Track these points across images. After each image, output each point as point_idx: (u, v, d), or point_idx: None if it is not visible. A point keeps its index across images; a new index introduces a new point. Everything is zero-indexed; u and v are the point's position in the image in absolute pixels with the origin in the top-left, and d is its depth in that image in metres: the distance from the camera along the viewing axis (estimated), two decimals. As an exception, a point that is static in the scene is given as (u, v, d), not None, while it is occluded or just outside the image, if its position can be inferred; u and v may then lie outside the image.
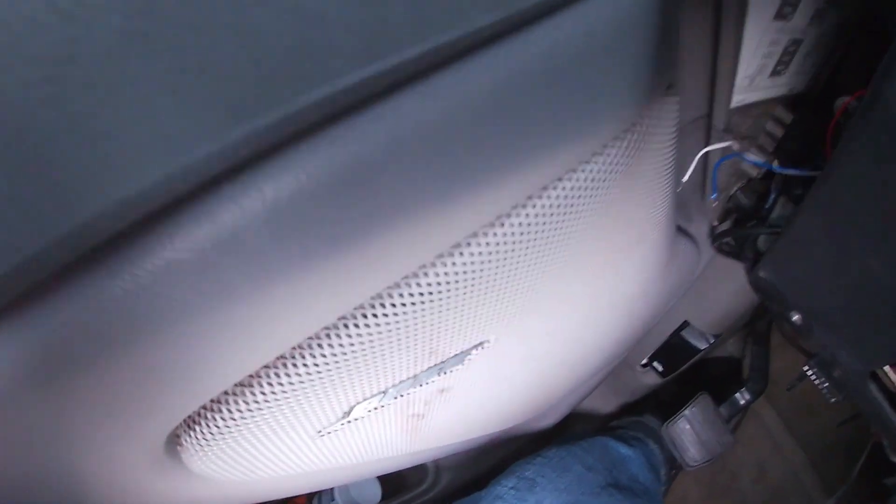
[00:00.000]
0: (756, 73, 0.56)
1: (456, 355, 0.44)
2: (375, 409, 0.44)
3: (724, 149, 0.58)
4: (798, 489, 1.27)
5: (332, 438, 0.45)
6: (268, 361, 0.30)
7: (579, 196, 0.37)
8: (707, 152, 0.54)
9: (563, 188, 0.36)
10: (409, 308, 0.33)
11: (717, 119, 0.54)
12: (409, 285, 0.32)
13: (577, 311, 0.58)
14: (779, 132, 0.67)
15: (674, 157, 0.49)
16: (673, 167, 0.52)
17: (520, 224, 0.35)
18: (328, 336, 0.31)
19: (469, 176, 0.28)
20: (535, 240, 0.37)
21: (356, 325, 0.32)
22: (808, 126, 0.68)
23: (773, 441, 1.32)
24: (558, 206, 0.37)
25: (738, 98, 0.55)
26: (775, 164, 0.66)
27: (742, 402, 1.06)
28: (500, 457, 1.09)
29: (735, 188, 0.74)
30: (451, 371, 0.46)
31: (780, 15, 0.51)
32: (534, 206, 0.35)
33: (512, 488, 0.85)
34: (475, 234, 0.33)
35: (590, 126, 0.34)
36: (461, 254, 0.33)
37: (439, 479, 1.07)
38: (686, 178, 0.53)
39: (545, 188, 0.35)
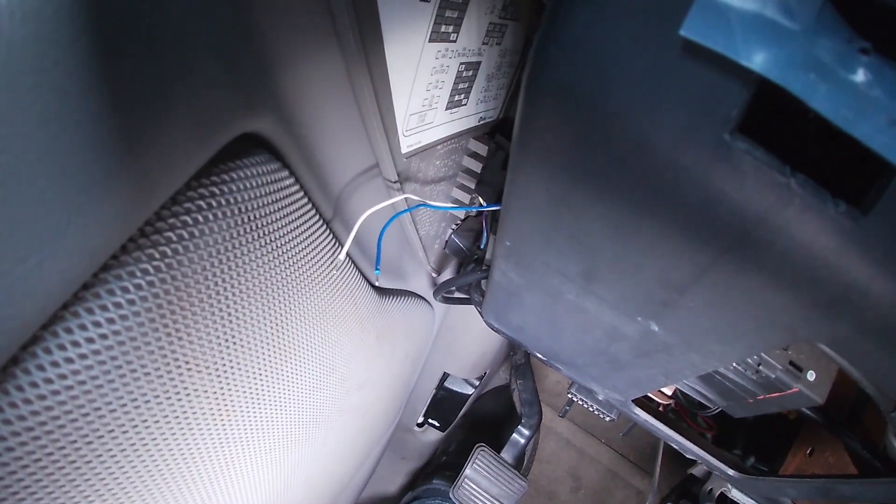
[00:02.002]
0: (425, 108, 0.46)
1: None
2: None
3: (406, 201, 0.47)
4: (618, 482, 1.27)
5: None
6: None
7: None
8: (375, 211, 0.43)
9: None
10: None
11: (385, 171, 0.43)
12: None
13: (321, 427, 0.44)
14: (477, 167, 0.60)
15: (308, 231, 0.37)
16: (323, 242, 0.40)
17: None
18: None
19: None
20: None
21: None
22: (507, 153, 0.62)
23: (577, 448, 1.31)
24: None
25: (410, 141, 0.45)
26: (482, 203, 0.58)
27: (522, 440, 1.00)
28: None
29: (449, 232, 0.65)
30: None
31: (437, 36, 0.42)
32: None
33: None
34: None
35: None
36: None
37: None
38: (344, 251, 0.41)
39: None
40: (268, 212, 0.32)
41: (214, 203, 0.27)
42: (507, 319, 0.48)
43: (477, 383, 1.00)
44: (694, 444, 0.51)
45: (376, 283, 0.55)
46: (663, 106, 0.18)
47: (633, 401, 0.50)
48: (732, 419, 0.52)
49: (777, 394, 0.38)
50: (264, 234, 0.32)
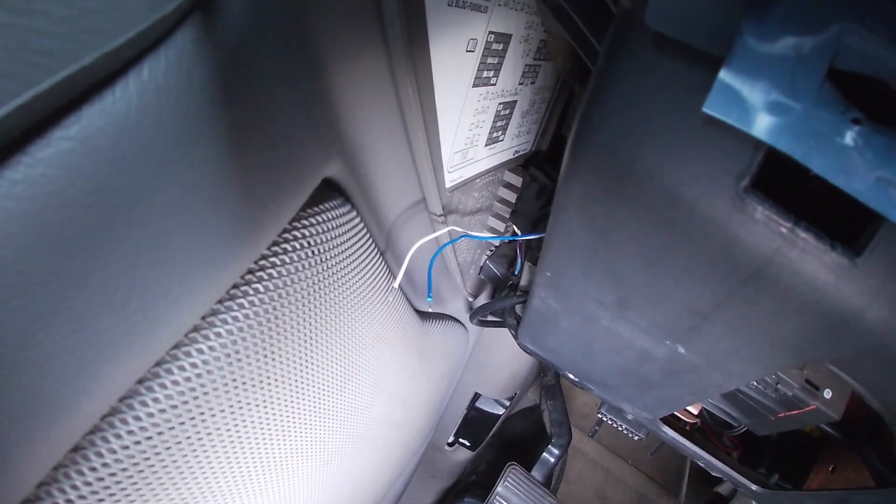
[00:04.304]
0: (467, 146, 0.51)
1: None
2: None
3: (450, 233, 0.52)
4: (645, 503, 1.28)
5: None
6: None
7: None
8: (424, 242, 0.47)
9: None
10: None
11: (432, 205, 0.48)
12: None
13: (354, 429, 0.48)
14: (512, 197, 0.64)
15: (374, 263, 0.42)
16: (379, 272, 0.44)
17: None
18: None
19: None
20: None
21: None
22: (541, 184, 0.66)
23: (604, 469, 1.33)
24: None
25: (454, 177, 0.50)
26: (515, 233, 0.62)
27: (552, 459, 1.02)
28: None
29: (484, 258, 0.70)
30: None
31: (480, 81, 0.46)
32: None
33: None
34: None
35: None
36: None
37: None
38: (398, 281, 0.45)
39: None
40: (341, 249, 0.37)
41: (302, 244, 0.32)
42: (544, 342, 0.52)
43: (507, 404, 1.03)
44: (719, 461, 0.54)
45: (428, 309, 0.59)
46: (688, 166, 0.22)
47: (660, 419, 0.53)
48: (757, 439, 0.55)
49: (796, 411, 0.41)
50: (338, 268, 0.37)
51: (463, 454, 1.12)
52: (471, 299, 0.70)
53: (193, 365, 0.28)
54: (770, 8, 0.19)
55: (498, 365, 0.90)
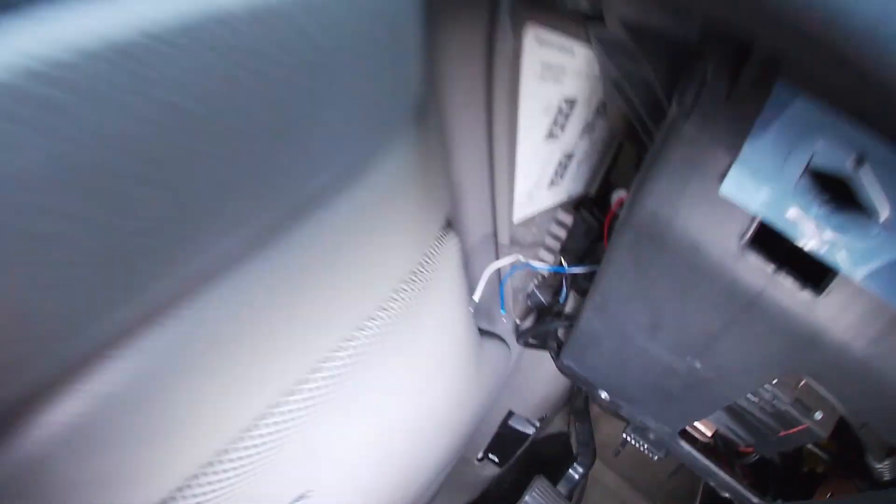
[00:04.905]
0: (533, 188, 0.62)
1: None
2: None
3: (510, 261, 0.63)
4: None
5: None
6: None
7: (372, 344, 0.38)
8: (495, 268, 0.58)
9: (357, 343, 0.36)
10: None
11: (501, 236, 0.59)
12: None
13: (406, 425, 0.58)
14: (562, 233, 0.75)
15: (463, 282, 0.52)
16: (463, 289, 0.55)
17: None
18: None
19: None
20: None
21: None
22: (589, 224, 0.77)
23: (620, 500, 1.39)
24: (358, 353, 0.37)
25: (520, 213, 0.61)
26: (561, 265, 0.73)
27: (577, 476, 1.10)
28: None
29: (531, 286, 0.80)
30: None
31: (550, 136, 0.58)
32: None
33: None
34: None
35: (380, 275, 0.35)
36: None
37: None
38: (478, 295, 0.56)
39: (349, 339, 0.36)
40: (451, 267, 0.48)
41: (427, 278, 0.43)
42: (584, 361, 0.62)
43: (538, 425, 1.12)
44: (727, 475, 0.63)
45: (504, 320, 0.69)
46: (708, 227, 0.33)
47: (678, 434, 0.62)
48: (766, 472, 0.63)
49: (793, 430, 0.50)
50: (448, 282, 0.48)
51: (490, 470, 1.20)
52: (518, 322, 0.80)
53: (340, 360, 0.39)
54: (764, 133, 0.29)
55: (534, 385, 1.00)
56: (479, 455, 1.17)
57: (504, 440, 1.14)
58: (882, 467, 0.48)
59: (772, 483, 0.73)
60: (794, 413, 0.47)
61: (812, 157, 0.29)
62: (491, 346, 0.77)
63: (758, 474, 0.71)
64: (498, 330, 0.81)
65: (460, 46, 0.40)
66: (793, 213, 0.30)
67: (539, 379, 0.98)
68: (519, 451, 1.16)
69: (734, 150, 0.30)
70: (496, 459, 1.17)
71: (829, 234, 0.30)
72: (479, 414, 0.91)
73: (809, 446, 0.56)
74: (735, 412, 0.56)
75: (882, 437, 0.45)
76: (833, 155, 0.29)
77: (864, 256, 0.30)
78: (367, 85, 0.27)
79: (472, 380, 0.71)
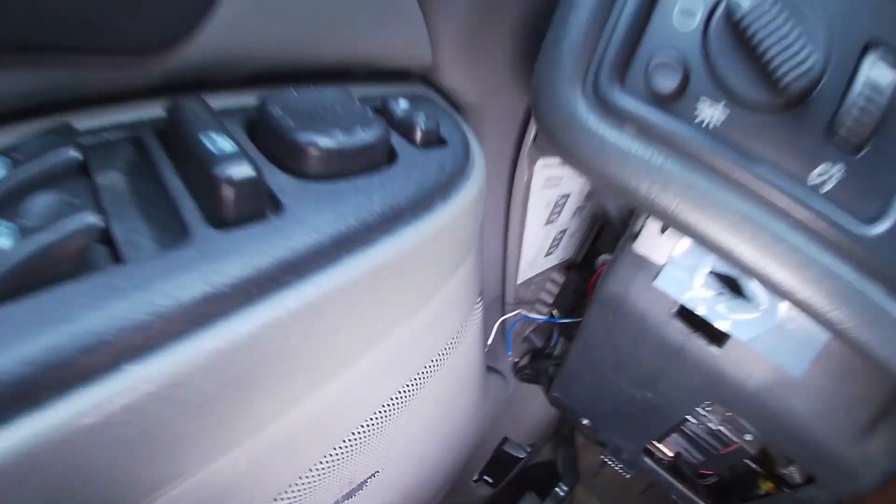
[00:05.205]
0: (534, 258, 0.80)
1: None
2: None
3: (515, 314, 0.81)
4: None
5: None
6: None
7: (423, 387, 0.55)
8: (503, 320, 0.77)
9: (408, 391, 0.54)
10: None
11: (508, 296, 0.77)
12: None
13: (424, 443, 0.75)
14: (555, 290, 0.94)
15: (482, 334, 0.71)
16: (482, 339, 0.73)
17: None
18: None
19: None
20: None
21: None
22: (576, 283, 0.95)
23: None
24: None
25: (523, 277, 0.79)
26: (553, 316, 0.91)
27: (562, 493, 1.27)
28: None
29: (528, 331, 0.98)
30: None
31: (549, 222, 0.77)
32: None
33: None
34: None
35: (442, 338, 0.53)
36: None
37: None
38: (490, 341, 0.74)
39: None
40: (476, 329, 0.66)
41: (461, 336, 0.61)
42: (569, 393, 0.80)
43: (528, 450, 1.28)
44: (689, 491, 0.79)
45: (511, 359, 0.87)
46: (649, 303, 0.51)
47: (642, 453, 0.80)
48: (726, 492, 0.80)
49: (729, 449, 0.68)
50: (473, 341, 0.66)
51: (484, 490, 1.34)
52: (516, 360, 0.98)
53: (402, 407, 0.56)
54: (675, 258, 0.48)
55: (526, 415, 1.17)
56: (475, 476, 1.32)
57: (498, 463, 1.29)
58: (788, 472, 0.65)
59: (730, 501, 0.90)
60: (728, 434, 0.65)
61: (713, 266, 0.48)
62: (493, 380, 0.95)
63: (718, 494, 0.87)
64: (498, 366, 0.99)
65: (491, 175, 0.59)
66: (699, 298, 0.49)
67: (531, 409, 1.16)
68: (511, 474, 1.31)
69: (663, 264, 0.49)
70: (490, 480, 1.32)
71: (724, 311, 0.49)
72: (479, 439, 1.08)
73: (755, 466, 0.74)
74: (687, 435, 0.74)
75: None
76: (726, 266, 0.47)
77: (747, 327, 0.49)
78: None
79: (478, 410, 0.88)
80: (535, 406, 1.14)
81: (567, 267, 0.98)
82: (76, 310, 0.22)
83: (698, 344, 0.51)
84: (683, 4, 0.36)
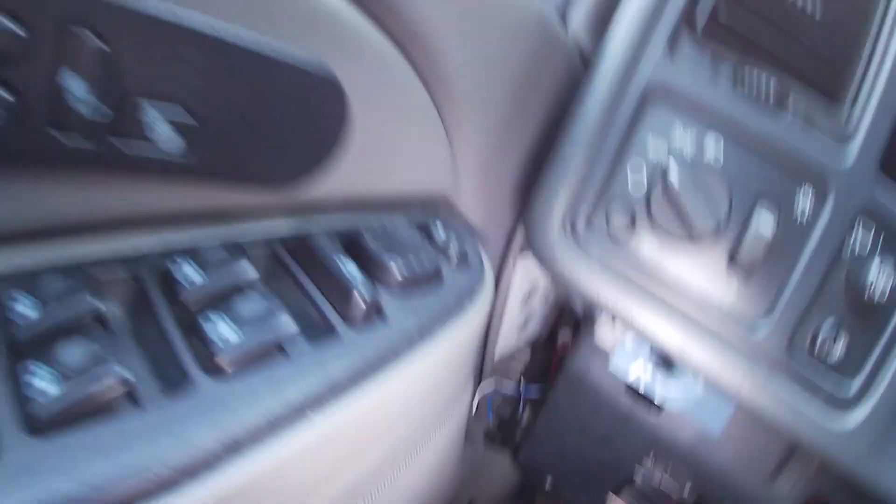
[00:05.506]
0: (509, 340, 0.96)
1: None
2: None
3: (490, 386, 0.95)
4: None
5: None
6: None
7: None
8: (484, 395, 0.92)
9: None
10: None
11: (486, 371, 0.92)
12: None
13: None
14: (522, 366, 1.09)
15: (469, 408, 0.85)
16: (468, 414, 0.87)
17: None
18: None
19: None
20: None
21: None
22: (541, 359, 1.10)
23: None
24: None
25: (497, 356, 0.94)
26: (520, 388, 1.06)
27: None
28: None
29: (499, 402, 1.12)
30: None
31: (522, 314, 0.92)
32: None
33: None
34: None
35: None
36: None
37: None
38: (473, 411, 0.88)
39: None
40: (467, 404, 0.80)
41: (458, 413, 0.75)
42: (537, 455, 0.94)
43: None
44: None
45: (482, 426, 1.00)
46: (604, 380, 0.68)
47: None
48: None
49: (672, 501, 0.82)
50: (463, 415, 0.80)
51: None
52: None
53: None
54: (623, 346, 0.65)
55: (491, 478, 1.28)
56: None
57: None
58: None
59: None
60: (670, 485, 0.79)
61: (651, 349, 0.65)
62: (466, 446, 1.07)
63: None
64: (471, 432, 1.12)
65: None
66: (641, 380, 0.65)
67: (497, 472, 1.28)
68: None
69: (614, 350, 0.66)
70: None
71: (659, 388, 0.65)
72: (448, 502, 1.19)
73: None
74: (638, 490, 0.88)
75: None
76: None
77: (678, 399, 0.65)
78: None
79: (453, 476, 1.01)
80: (500, 470, 1.26)
81: (533, 344, 1.13)
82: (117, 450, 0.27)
83: (644, 408, 0.67)
84: (634, 179, 0.54)
